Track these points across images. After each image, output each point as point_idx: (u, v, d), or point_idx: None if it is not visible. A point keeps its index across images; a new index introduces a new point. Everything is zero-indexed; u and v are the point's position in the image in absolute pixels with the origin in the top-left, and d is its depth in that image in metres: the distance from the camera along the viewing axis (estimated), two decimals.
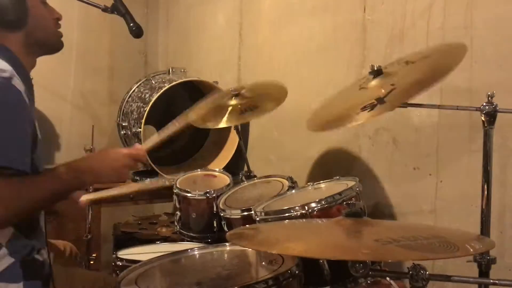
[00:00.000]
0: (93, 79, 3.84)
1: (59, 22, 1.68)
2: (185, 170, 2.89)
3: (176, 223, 2.57)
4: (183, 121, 1.85)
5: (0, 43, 1.53)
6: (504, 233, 1.99)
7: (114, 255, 2.07)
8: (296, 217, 1.82)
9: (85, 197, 1.82)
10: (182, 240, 2.51)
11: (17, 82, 1.45)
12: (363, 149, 2.54)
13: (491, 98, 1.59)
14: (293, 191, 2.23)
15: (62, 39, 1.70)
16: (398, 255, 1.11)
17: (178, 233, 2.57)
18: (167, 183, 2.35)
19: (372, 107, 1.60)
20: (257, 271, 1.65)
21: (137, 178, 3.27)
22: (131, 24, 2.04)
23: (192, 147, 3.57)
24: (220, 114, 2.46)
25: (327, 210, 1.83)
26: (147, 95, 3.17)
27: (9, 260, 1.44)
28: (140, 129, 3.06)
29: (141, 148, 1.73)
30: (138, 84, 3.40)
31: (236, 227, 2.16)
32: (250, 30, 3.27)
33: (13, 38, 1.55)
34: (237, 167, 2.99)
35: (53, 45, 1.67)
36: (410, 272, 1.15)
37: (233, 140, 3.22)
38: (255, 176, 2.64)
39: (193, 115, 2.13)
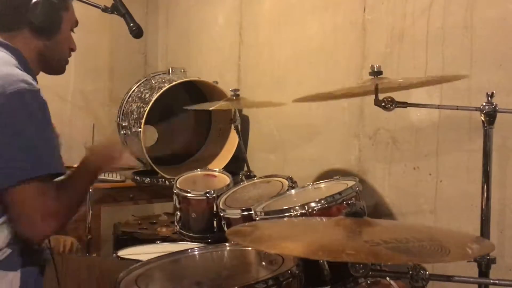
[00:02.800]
0: (93, 79, 3.85)
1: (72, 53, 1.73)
2: (185, 170, 2.89)
3: (176, 223, 2.57)
4: None
5: (15, 47, 1.55)
6: (504, 233, 1.99)
7: (114, 254, 2.07)
8: (296, 217, 1.82)
9: None
10: (182, 240, 2.51)
11: (42, 94, 1.50)
12: (363, 149, 2.54)
13: (491, 98, 1.59)
14: (293, 191, 2.23)
15: None
16: (382, 258, 1.12)
17: (178, 233, 2.57)
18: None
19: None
20: (257, 271, 1.65)
21: (137, 178, 3.28)
22: (131, 24, 2.04)
23: (192, 147, 3.57)
24: None
25: (327, 210, 1.83)
26: (147, 95, 3.17)
27: (7, 251, 1.45)
28: (140, 129, 3.06)
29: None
30: (138, 84, 3.40)
31: None
32: (250, 30, 3.27)
33: (33, 43, 1.59)
34: (237, 167, 3.00)
35: (59, 68, 1.71)
36: (410, 272, 1.15)
37: (233, 140, 3.22)
38: (255, 176, 2.64)
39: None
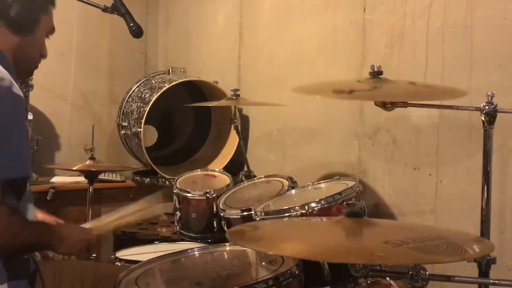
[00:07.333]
0: (93, 79, 3.84)
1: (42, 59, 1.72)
2: (185, 170, 2.89)
3: (176, 223, 2.57)
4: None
5: None
6: (504, 233, 2.00)
7: (113, 256, 2.06)
8: (296, 217, 1.82)
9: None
10: (182, 240, 2.51)
11: (17, 89, 1.46)
12: (363, 149, 2.54)
13: (491, 98, 1.59)
14: (293, 191, 2.23)
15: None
16: (413, 259, 1.10)
17: (178, 233, 2.57)
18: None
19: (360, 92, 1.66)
20: (257, 271, 1.65)
21: (137, 178, 3.28)
22: (131, 24, 2.04)
23: (192, 147, 3.57)
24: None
25: (327, 210, 1.83)
26: (147, 95, 3.17)
27: None
28: (140, 129, 3.06)
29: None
30: (138, 84, 3.40)
31: None
32: (250, 30, 3.27)
33: (8, 39, 1.57)
34: (237, 167, 3.00)
35: (26, 72, 1.70)
36: (410, 272, 1.15)
37: (233, 140, 3.22)
38: (255, 176, 2.64)
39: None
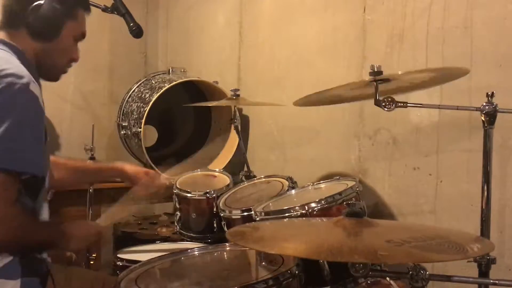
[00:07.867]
0: (93, 79, 3.84)
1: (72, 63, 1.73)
2: (185, 170, 2.89)
3: (176, 223, 2.57)
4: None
5: (20, 48, 1.56)
6: (504, 233, 1.99)
7: (114, 255, 2.07)
8: (296, 217, 1.82)
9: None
10: (182, 240, 2.51)
11: (34, 87, 1.48)
12: (363, 149, 2.54)
13: (491, 98, 1.59)
14: (293, 191, 2.23)
15: None
16: (416, 257, 1.10)
17: (178, 233, 2.57)
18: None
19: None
20: (257, 271, 1.65)
21: None
22: (131, 24, 2.04)
23: (192, 147, 3.57)
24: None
25: (327, 210, 1.83)
26: (147, 95, 3.17)
27: (8, 258, 1.45)
28: (140, 129, 3.06)
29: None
30: (138, 84, 3.40)
31: None
32: (250, 30, 3.27)
33: (31, 44, 1.60)
34: (237, 167, 3.00)
35: (52, 75, 1.70)
36: (410, 272, 1.15)
37: (233, 140, 3.22)
38: (255, 176, 2.64)
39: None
